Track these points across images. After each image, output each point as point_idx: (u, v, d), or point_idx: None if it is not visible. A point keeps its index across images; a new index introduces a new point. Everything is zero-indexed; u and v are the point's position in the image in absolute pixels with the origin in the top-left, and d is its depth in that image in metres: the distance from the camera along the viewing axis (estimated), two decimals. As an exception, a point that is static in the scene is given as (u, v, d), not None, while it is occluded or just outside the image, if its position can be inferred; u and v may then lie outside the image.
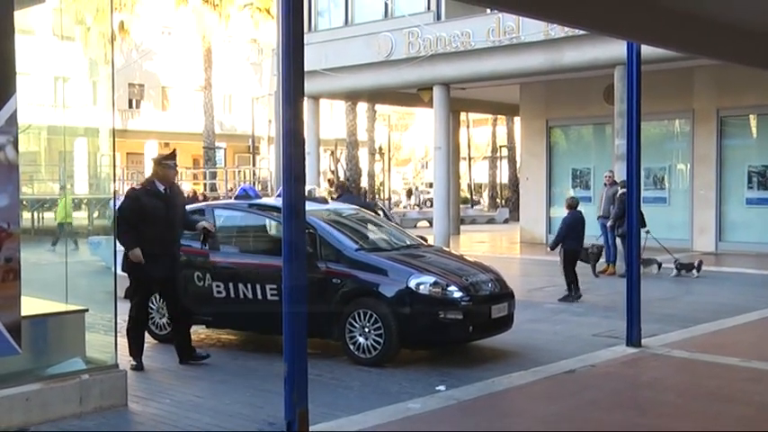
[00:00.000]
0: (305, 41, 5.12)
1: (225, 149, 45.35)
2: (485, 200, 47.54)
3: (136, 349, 7.58)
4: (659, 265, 14.44)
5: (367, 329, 7.70)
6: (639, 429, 5.58)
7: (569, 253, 11.88)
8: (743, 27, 8.27)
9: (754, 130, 19.13)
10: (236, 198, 9.73)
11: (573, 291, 11.64)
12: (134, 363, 7.47)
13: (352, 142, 37.30)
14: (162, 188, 7.71)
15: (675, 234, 18.47)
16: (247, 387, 6.96)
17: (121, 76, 40.82)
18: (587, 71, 17.90)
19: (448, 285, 7.77)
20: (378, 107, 39.62)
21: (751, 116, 18.89)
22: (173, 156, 7.98)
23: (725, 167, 18.71)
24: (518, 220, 24.74)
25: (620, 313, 8.56)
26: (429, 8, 20.31)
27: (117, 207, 7.69)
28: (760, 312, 10.30)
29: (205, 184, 36.18)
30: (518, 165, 33.15)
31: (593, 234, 14.31)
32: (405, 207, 44.01)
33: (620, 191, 13.77)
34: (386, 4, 21.77)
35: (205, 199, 23.93)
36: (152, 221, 7.50)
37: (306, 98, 5.40)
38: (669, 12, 7.46)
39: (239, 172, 39.68)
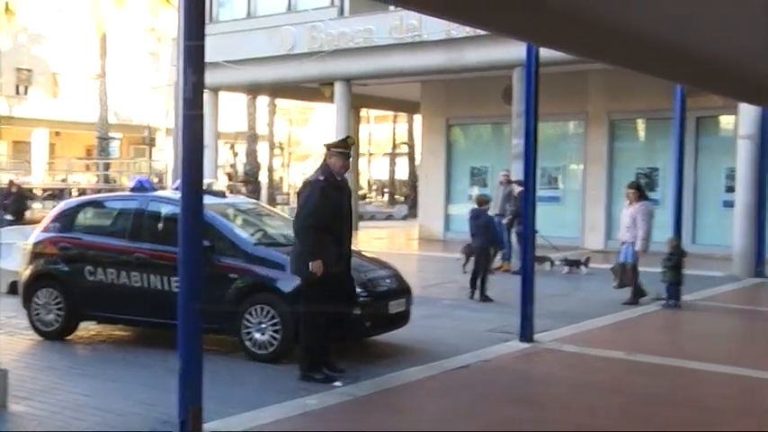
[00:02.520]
0: (205, 32, 5.03)
1: (120, 140, 44.05)
2: (385, 197, 47.85)
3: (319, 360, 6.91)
4: (552, 263, 14.86)
5: (264, 325, 7.63)
6: (531, 422, 5.74)
7: (481, 250, 12.03)
8: (633, 34, 8.58)
9: (642, 133, 19.94)
10: (131, 190, 9.46)
11: (481, 289, 11.78)
12: (318, 377, 6.82)
13: (251, 136, 36.85)
14: (339, 179, 7.03)
15: (567, 232, 19.07)
16: (139, 384, 6.79)
17: (8, 60, 39.04)
18: (487, 71, 18.23)
19: (346, 281, 7.77)
20: (278, 101, 39.29)
21: (639, 120, 19.68)
22: (350, 143, 7.18)
23: (615, 168, 19.41)
24: (417, 216, 25.01)
25: (514, 309, 8.77)
26: (333, 3, 20.26)
27: (303, 203, 6.84)
28: (644, 308, 10.76)
29: (98, 176, 35.06)
30: (417, 162, 33.50)
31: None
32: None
33: (517, 189, 14.09)
34: (289, -2, 21.60)
35: (19, 189, 21.89)
36: (338, 219, 6.84)
37: (205, 90, 5.30)
38: (567, 16, 7.66)
39: (135, 164, 38.59)
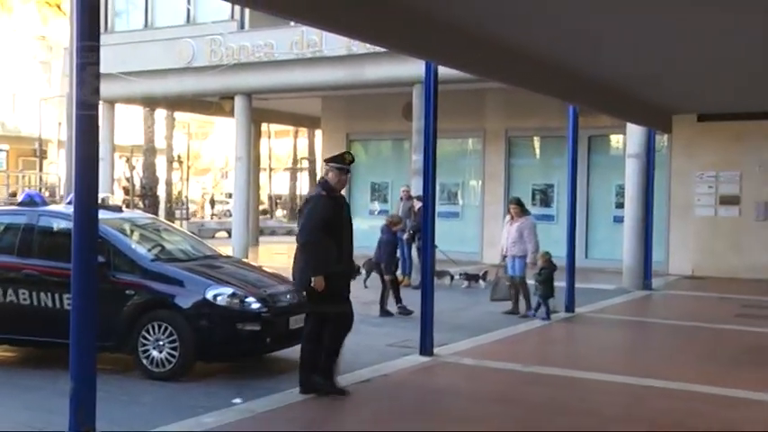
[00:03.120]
0: (101, 42, 4.91)
1: (7, 152, 42.26)
2: (285, 211, 47.54)
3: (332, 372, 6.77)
4: (452, 277, 15.09)
5: (161, 342, 7.46)
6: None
7: (375, 266, 12.26)
8: (529, 54, 8.87)
9: (538, 150, 20.54)
10: (19, 204, 9.10)
11: (381, 303, 11.91)
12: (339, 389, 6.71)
13: (149, 149, 36.01)
14: (337, 194, 6.88)
15: (467, 247, 19.42)
16: (28, 407, 6.51)
17: None
18: (387, 87, 18.43)
19: (246, 297, 7.71)
20: (177, 114, 38.56)
21: (535, 137, 20.27)
22: (348, 160, 6.91)
23: (512, 185, 19.91)
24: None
25: (415, 323, 8.86)
26: (233, 17, 20.08)
27: (308, 216, 6.68)
28: (540, 321, 11.03)
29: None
30: (318, 177, 33.47)
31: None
32: (202, 217, 43.03)
33: (417, 205, 14.26)
34: (188, 10, 21.28)
35: None
36: (341, 235, 6.73)
37: (101, 102, 5.19)
38: (465, 36, 7.86)
39: (23, 177, 37.09)
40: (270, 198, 49.34)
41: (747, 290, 15.01)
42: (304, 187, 46.53)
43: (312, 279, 6.57)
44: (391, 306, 11.95)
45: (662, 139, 17.40)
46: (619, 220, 16.96)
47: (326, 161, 7.01)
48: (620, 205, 17.15)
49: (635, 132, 15.29)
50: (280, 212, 46.36)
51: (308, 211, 6.75)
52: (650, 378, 7.60)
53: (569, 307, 11.66)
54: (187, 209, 38.87)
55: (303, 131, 44.75)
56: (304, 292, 6.82)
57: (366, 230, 21.57)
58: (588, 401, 6.90)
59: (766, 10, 6.85)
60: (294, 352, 8.22)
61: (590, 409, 6.63)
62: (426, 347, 8.30)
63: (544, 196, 19.54)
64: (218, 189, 53.08)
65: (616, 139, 18.98)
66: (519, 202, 12.13)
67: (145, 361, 7.50)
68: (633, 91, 11.99)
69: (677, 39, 8.20)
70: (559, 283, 11.50)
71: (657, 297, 14.30)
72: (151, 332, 7.49)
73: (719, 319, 11.54)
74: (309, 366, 6.75)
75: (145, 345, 7.50)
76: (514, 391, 7.16)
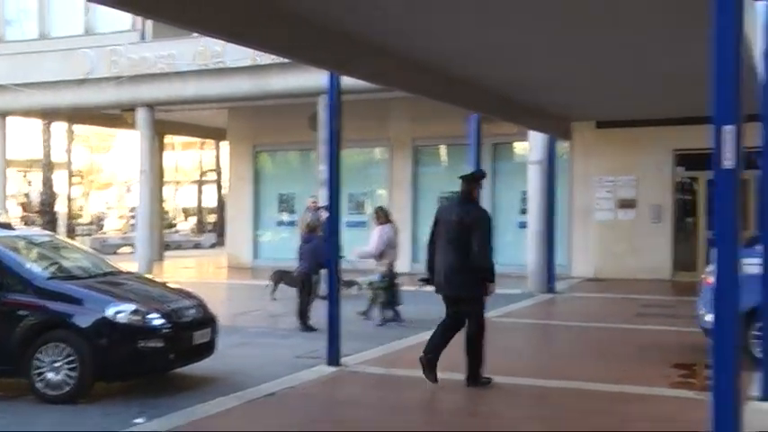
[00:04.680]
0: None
1: None
2: (193, 225, 46.66)
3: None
4: (359, 287, 15.08)
5: (58, 364, 7.18)
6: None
7: (305, 276, 11.87)
8: (430, 65, 8.98)
9: (444, 158, 20.79)
10: None
11: (303, 318, 11.54)
12: (484, 378, 7.42)
13: (47, 164, 34.82)
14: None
15: (375, 256, 19.45)
16: None
17: None
18: (293, 98, 18.36)
19: (148, 313, 7.51)
20: (77, 127, 37.45)
21: (441, 145, 20.53)
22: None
23: (419, 193, 20.11)
24: (225, 244, 24.62)
25: (323, 334, 8.81)
26: (134, 27, 19.68)
27: (485, 227, 7.31)
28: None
29: None
30: (225, 189, 33.04)
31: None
32: (105, 232, 41.80)
33: (325, 215, 14.21)
34: (85, 20, 20.72)
35: None
36: None
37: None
38: (367, 47, 7.90)
39: None
40: (176, 211, 48.39)
41: (646, 290, 15.55)
42: (211, 200, 45.85)
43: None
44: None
45: (563, 146, 17.89)
46: (523, 225, 17.31)
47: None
48: (524, 211, 17.52)
49: (537, 139, 15.66)
50: (187, 226, 45.49)
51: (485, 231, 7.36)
52: (554, 379, 7.76)
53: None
54: (92, 223, 37.75)
55: (210, 143, 44.13)
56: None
57: (276, 242, 21.48)
58: (493, 404, 6.99)
59: (652, 27, 7.12)
60: (198, 367, 8.09)
61: (494, 412, 6.73)
62: (333, 358, 8.27)
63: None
64: (122, 203, 51.72)
65: (520, 146, 19.40)
66: (378, 211, 12.62)
67: (40, 384, 7.21)
68: (533, 99, 12.30)
69: (574, 50, 8.45)
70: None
71: (561, 300, 14.65)
72: (47, 354, 7.20)
73: (620, 319, 11.91)
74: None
75: (40, 367, 7.21)
76: (422, 398, 7.20)
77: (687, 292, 13.11)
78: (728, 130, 3.88)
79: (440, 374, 7.95)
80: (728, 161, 3.88)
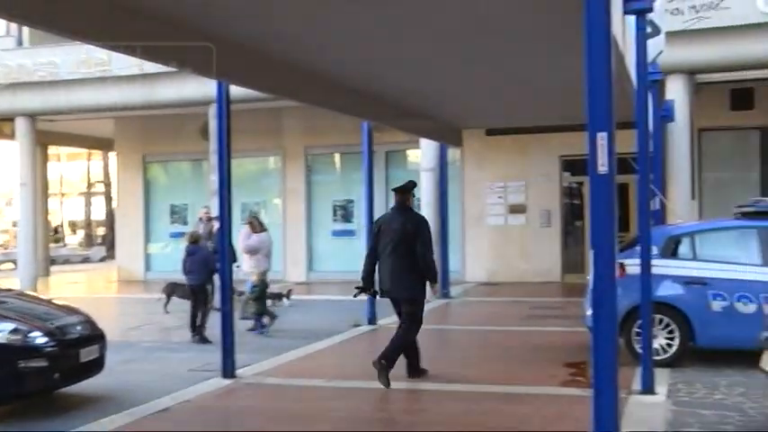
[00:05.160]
0: None
1: None
2: (81, 238, 45.08)
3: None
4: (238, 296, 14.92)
5: None
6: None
7: (199, 288, 11.59)
8: (319, 74, 9.00)
9: (337, 166, 20.85)
10: None
11: (199, 330, 11.28)
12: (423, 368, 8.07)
13: None
14: None
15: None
16: None
17: None
18: (183, 107, 18.03)
19: (30, 331, 7.21)
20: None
21: (335, 154, 20.57)
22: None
23: (313, 201, 20.09)
24: (115, 258, 23.93)
25: (217, 346, 8.68)
26: (9, 33, 18.88)
27: (426, 232, 7.97)
28: (343, 335, 11.19)
29: None
30: (115, 201, 32.12)
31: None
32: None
33: (217, 225, 14.00)
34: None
35: None
36: None
37: None
38: (254, 56, 7.85)
39: None
40: (62, 225, 46.64)
41: (536, 292, 16.00)
42: (100, 212, 44.44)
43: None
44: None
45: (455, 153, 18.23)
46: (417, 232, 17.48)
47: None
48: (418, 218, 17.70)
49: (429, 147, 15.91)
50: (75, 240, 43.91)
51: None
52: (448, 383, 7.90)
53: (371, 320, 11.88)
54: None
55: (97, 153, 42.80)
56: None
57: (169, 254, 20.99)
58: (387, 410, 7.06)
59: (543, 37, 7.36)
60: (87, 386, 7.83)
61: (388, 419, 6.80)
62: (228, 370, 8.16)
63: (345, 212, 19.87)
64: (1, 218, 49.52)
65: (413, 154, 19.65)
66: (252, 219, 12.85)
67: None
68: (424, 108, 12.49)
69: (462, 60, 8.64)
70: (361, 297, 11.67)
71: (455, 304, 14.90)
72: None
73: (510, 322, 12.22)
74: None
75: None
76: (317, 407, 7.18)
77: (576, 293, 13.56)
78: (602, 137, 4.06)
79: (336, 383, 7.99)
80: (603, 166, 4.05)
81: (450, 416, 6.77)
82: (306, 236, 19.91)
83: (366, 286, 8.20)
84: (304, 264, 19.91)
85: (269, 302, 14.55)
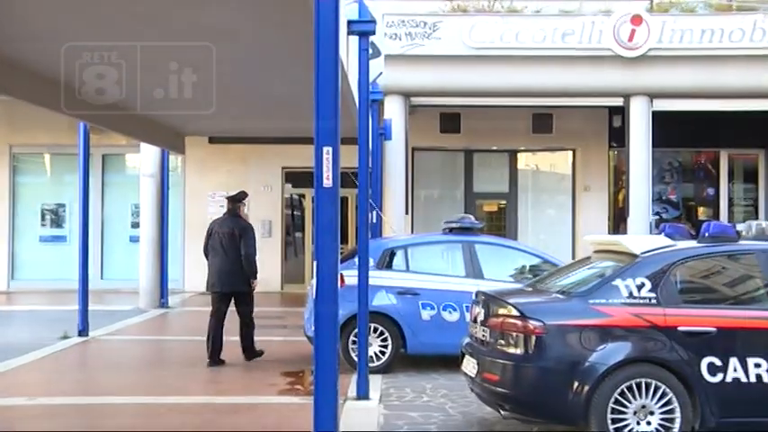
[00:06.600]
0: None
1: None
2: None
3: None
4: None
5: None
6: None
7: None
8: (22, 65, 8.34)
9: (48, 168, 19.44)
10: None
11: None
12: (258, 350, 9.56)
13: None
14: None
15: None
16: None
17: None
18: None
19: None
20: None
21: (45, 154, 19.18)
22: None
23: (18, 204, 18.58)
24: None
25: None
26: None
27: (250, 236, 9.50)
28: (51, 347, 10.43)
29: None
30: None
31: None
32: None
33: None
34: None
35: None
36: None
37: None
38: None
39: None
40: None
41: (258, 302, 15.99)
42: None
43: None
44: None
45: (177, 159, 17.79)
46: (135, 239, 16.87)
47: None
48: (136, 225, 17.09)
49: (150, 152, 15.38)
50: None
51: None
52: (166, 395, 7.68)
53: (83, 331, 11.21)
54: None
55: None
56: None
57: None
58: (102, 426, 6.70)
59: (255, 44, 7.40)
60: None
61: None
62: None
63: (56, 216, 18.61)
64: None
65: (132, 159, 18.87)
66: None
67: None
68: (144, 112, 12.03)
69: (182, 66, 8.44)
70: (71, 307, 11.03)
71: (173, 315, 14.52)
72: None
73: (230, 332, 12.12)
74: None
75: None
76: (19, 428, 6.64)
77: (296, 303, 13.84)
78: (327, 151, 4.19)
79: (41, 401, 7.49)
80: (328, 180, 4.19)
81: (169, 428, 6.57)
82: (9, 242, 18.32)
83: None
84: (6, 271, 18.31)
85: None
